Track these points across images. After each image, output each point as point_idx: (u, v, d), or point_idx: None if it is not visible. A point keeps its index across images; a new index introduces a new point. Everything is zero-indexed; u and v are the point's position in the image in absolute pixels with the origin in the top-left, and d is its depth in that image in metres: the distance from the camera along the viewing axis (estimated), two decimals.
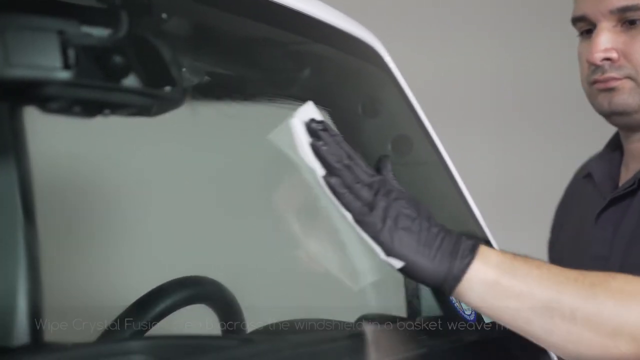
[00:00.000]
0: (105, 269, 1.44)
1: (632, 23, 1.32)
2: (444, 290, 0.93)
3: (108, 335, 1.06)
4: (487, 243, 1.03)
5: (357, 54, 1.29)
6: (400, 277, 1.22)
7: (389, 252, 0.91)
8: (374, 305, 1.23)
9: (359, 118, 1.29)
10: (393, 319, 1.20)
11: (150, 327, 1.07)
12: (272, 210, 1.10)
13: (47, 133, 1.22)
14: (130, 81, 0.81)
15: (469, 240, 0.93)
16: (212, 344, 0.95)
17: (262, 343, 0.96)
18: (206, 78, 1.03)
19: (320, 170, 0.91)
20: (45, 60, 0.74)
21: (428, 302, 1.20)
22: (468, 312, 1.15)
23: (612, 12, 1.32)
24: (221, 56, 1.10)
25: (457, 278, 0.91)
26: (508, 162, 2.84)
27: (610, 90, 1.33)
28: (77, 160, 1.39)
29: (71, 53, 0.75)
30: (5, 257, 1.27)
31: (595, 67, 1.34)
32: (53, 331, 1.31)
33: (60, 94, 0.76)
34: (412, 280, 0.99)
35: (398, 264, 0.92)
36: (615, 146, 1.47)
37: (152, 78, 0.82)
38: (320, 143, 0.91)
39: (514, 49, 2.83)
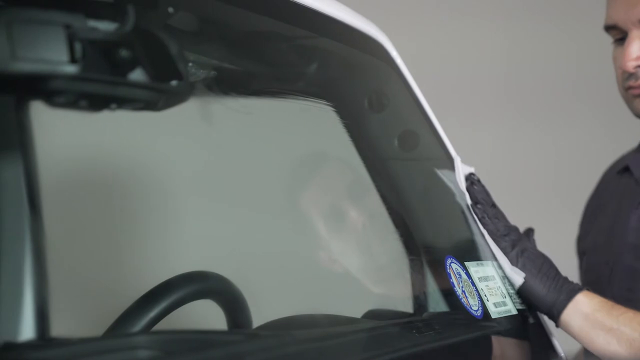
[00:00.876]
0: (112, 263, 1.44)
1: None
2: (551, 315, 1.18)
3: (114, 329, 1.06)
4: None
5: (364, 49, 1.28)
6: (406, 273, 1.22)
7: (514, 264, 1.18)
8: (381, 301, 1.23)
9: (366, 113, 1.29)
10: (399, 315, 1.19)
11: (157, 322, 1.07)
12: (279, 205, 1.09)
13: (53, 127, 1.21)
14: (137, 75, 0.80)
15: (579, 284, 1.18)
16: (218, 339, 0.95)
17: (268, 338, 0.96)
18: (212, 72, 1.03)
19: (469, 199, 1.21)
20: (52, 54, 0.73)
21: (434, 298, 1.19)
22: (475, 308, 1.14)
23: None
24: (227, 51, 1.10)
25: (563, 306, 1.15)
26: (512, 151, 2.83)
27: None
28: (83, 155, 1.39)
29: (77, 47, 0.74)
30: (10, 251, 1.26)
31: (629, 74, 1.38)
32: (59, 326, 1.30)
33: (67, 88, 0.76)
34: (527, 302, 1.21)
35: (519, 279, 1.17)
36: None
37: (159, 72, 0.82)
38: (475, 187, 1.21)
39: (517, 38, 2.83)
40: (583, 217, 1.65)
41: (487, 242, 1.20)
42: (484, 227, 1.19)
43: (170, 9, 0.86)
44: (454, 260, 1.15)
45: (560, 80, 2.76)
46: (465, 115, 2.75)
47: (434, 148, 1.31)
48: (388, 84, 1.33)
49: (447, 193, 1.32)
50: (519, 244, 1.19)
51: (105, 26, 0.77)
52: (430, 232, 1.26)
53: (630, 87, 1.40)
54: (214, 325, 1.21)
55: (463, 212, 1.28)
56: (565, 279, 1.19)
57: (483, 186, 1.23)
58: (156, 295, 1.08)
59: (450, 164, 1.30)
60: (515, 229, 1.22)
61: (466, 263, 1.18)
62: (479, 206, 1.20)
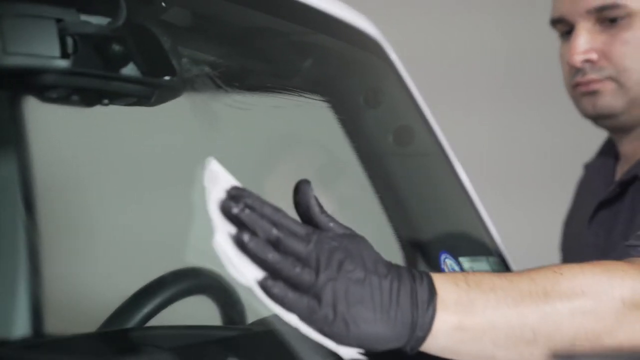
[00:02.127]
0: (105, 260, 1.44)
1: (612, 21, 1.28)
2: (406, 351, 0.79)
3: (109, 326, 1.06)
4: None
5: (359, 45, 1.28)
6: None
7: (343, 342, 0.75)
8: None
9: (361, 109, 1.29)
10: None
11: (152, 318, 1.07)
12: (273, 199, 1.09)
13: (47, 122, 1.21)
14: (130, 70, 0.80)
15: (423, 281, 0.79)
16: (212, 334, 0.95)
17: (262, 333, 0.96)
18: (206, 68, 1.03)
19: (252, 281, 0.72)
20: (44, 49, 0.73)
21: None
22: None
23: (589, 11, 1.28)
24: (221, 46, 1.09)
25: (422, 338, 0.78)
26: (504, 138, 2.83)
27: (593, 93, 1.30)
28: (77, 150, 1.39)
29: (69, 41, 0.74)
30: (5, 250, 1.26)
31: (576, 70, 1.31)
32: (53, 322, 1.30)
33: (59, 82, 0.76)
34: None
35: (352, 353, 0.75)
36: (611, 146, 1.44)
37: (152, 67, 0.82)
38: (246, 238, 0.72)
39: (511, 29, 2.82)
40: (569, 212, 1.56)
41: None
42: (293, 312, 0.74)
43: (163, 3, 0.86)
44: (448, 256, 1.15)
45: (555, 67, 2.76)
46: (459, 106, 2.75)
47: (429, 143, 1.31)
48: (383, 79, 1.33)
49: (441, 188, 1.32)
50: (338, 284, 0.74)
51: (98, 20, 0.77)
52: (425, 228, 1.26)
53: (577, 84, 1.31)
54: (208, 322, 1.21)
55: (458, 208, 1.28)
56: (400, 280, 0.77)
57: (247, 199, 0.75)
58: (150, 291, 1.08)
59: (444, 159, 1.30)
60: (312, 233, 0.76)
61: (460, 258, 1.18)
62: (274, 285, 0.73)
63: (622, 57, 1.28)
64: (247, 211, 0.72)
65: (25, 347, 1.05)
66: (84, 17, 0.76)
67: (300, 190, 0.79)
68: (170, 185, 1.36)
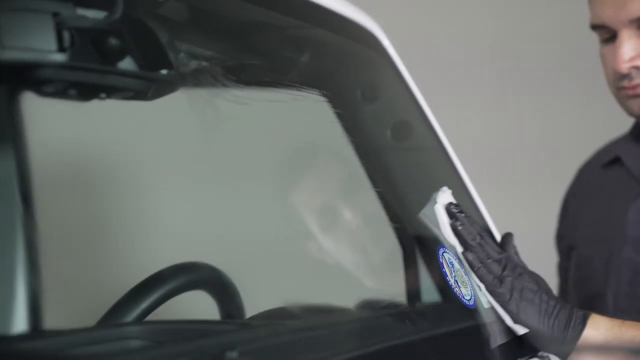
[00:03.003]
0: (104, 255, 1.44)
1: None
2: (561, 356, 1.10)
3: (107, 320, 1.06)
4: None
5: (356, 39, 1.28)
6: (399, 263, 1.22)
7: (515, 320, 1.09)
8: (373, 291, 1.23)
9: (358, 104, 1.28)
10: (393, 305, 1.19)
11: (150, 313, 1.07)
12: (270, 194, 1.09)
13: (44, 116, 1.21)
14: (127, 64, 0.80)
15: (580, 311, 1.09)
16: (211, 328, 0.95)
17: (260, 328, 0.96)
18: (203, 63, 1.02)
19: (459, 247, 1.11)
20: (40, 43, 0.73)
21: (427, 288, 1.19)
22: (467, 298, 1.14)
23: (631, 21, 1.33)
24: (217, 40, 1.09)
25: (571, 344, 1.08)
26: (501, 129, 2.83)
27: (639, 96, 1.36)
28: (75, 146, 1.39)
29: (66, 35, 0.74)
30: (3, 245, 1.26)
31: (621, 75, 1.35)
32: (52, 318, 1.30)
33: (56, 77, 0.76)
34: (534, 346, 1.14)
35: (523, 330, 1.09)
36: (634, 137, 1.49)
37: (149, 61, 0.82)
38: (458, 223, 1.10)
39: (507, 15, 2.82)
40: (562, 213, 1.61)
41: (482, 292, 1.12)
42: (481, 280, 1.10)
43: None
44: (446, 250, 1.15)
45: (550, 57, 2.75)
46: (453, 93, 2.74)
47: (427, 138, 1.31)
48: (381, 74, 1.33)
49: (440, 183, 1.32)
50: (516, 282, 1.10)
51: (94, 14, 0.77)
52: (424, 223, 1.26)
53: (623, 88, 1.37)
54: (207, 317, 1.21)
55: (457, 202, 1.28)
56: (564, 306, 1.10)
57: (465, 214, 1.12)
58: (149, 286, 1.08)
59: (442, 154, 1.30)
60: (506, 256, 1.13)
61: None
62: (470, 254, 1.10)
63: None
64: (463, 218, 1.11)
65: (24, 342, 1.05)
66: (80, 11, 0.76)
67: (505, 238, 1.18)
68: (169, 180, 1.36)
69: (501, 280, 1.08)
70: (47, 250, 1.34)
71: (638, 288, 1.40)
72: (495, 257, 1.10)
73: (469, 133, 2.63)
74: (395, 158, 1.30)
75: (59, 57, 0.73)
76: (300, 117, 1.25)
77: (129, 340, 0.93)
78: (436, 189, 1.33)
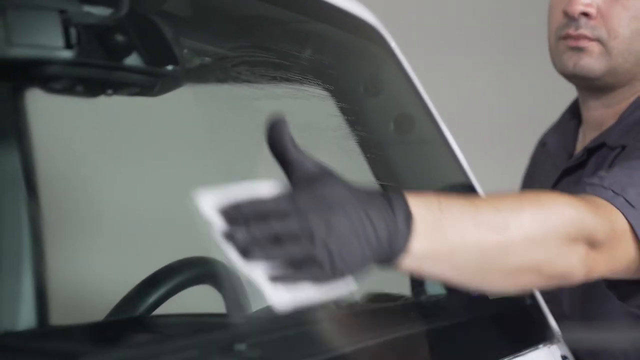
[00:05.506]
0: (110, 250, 1.44)
1: None
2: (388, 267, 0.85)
3: (116, 314, 1.06)
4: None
5: (359, 33, 1.29)
6: None
7: (343, 282, 0.81)
8: (378, 283, 1.23)
9: (361, 97, 1.29)
10: (397, 297, 1.20)
11: (158, 306, 1.07)
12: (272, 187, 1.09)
13: (51, 112, 1.22)
14: (133, 60, 0.81)
15: (400, 210, 0.83)
16: (218, 321, 0.96)
17: (267, 321, 0.96)
18: (206, 58, 1.03)
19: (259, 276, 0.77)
20: (47, 40, 0.73)
21: (432, 280, 1.20)
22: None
23: None
24: (221, 35, 1.10)
25: (395, 261, 0.83)
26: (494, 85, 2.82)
27: (579, 50, 1.29)
28: (80, 141, 1.39)
29: (73, 32, 0.75)
30: (10, 240, 1.27)
31: (569, 20, 1.29)
32: (59, 312, 1.31)
33: (63, 73, 0.76)
34: None
35: (352, 283, 0.82)
36: (572, 115, 1.44)
37: (155, 57, 0.82)
38: (254, 254, 0.77)
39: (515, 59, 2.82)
40: (520, 188, 1.56)
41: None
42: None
43: None
44: None
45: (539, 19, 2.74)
46: (444, 54, 2.73)
47: (429, 131, 1.32)
48: (383, 68, 1.33)
49: (443, 176, 1.32)
50: (321, 238, 0.78)
51: (100, 11, 0.77)
52: None
53: (567, 37, 1.29)
54: (212, 311, 1.21)
55: (459, 194, 1.28)
56: (378, 215, 0.81)
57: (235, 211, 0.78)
58: (157, 280, 1.09)
59: (445, 147, 1.30)
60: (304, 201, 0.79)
61: None
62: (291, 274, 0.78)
63: (618, 21, 1.28)
64: (244, 233, 0.76)
65: (31, 337, 1.06)
66: (86, 8, 0.77)
67: (274, 128, 0.81)
68: (174, 175, 1.36)
69: (319, 261, 0.77)
70: (54, 246, 1.35)
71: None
72: (295, 230, 0.77)
73: (459, 95, 2.62)
74: (398, 151, 1.30)
75: (66, 54, 0.74)
76: (301, 111, 1.25)
77: (137, 334, 0.93)
78: (439, 181, 1.33)
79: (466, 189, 1.31)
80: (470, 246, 0.88)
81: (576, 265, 0.96)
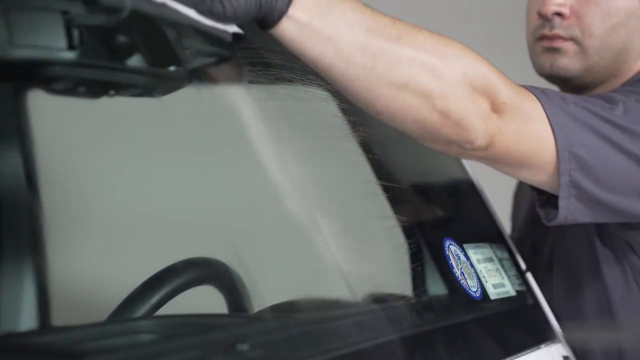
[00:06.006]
0: (111, 251, 1.44)
1: None
2: (262, 26, 0.88)
3: (118, 315, 1.07)
4: None
5: None
6: (405, 256, 1.22)
7: (224, 19, 0.84)
8: (380, 283, 1.23)
9: None
10: (398, 297, 1.20)
11: (160, 307, 1.08)
12: (276, 190, 1.10)
13: (52, 113, 1.22)
14: (135, 61, 0.81)
15: None
16: (220, 322, 0.96)
17: (267, 321, 0.96)
18: (207, 60, 1.03)
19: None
20: (50, 41, 0.73)
21: (434, 280, 1.20)
22: (474, 290, 1.15)
23: None
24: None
25: (276, 17, 0.86)
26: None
27: (554, 50, 1.29)
28: (82, 141, 1.39)
29: (76, 33, 0.75)
30: (11, 241, 1.27)
31: (543, 21, 1.29)
32: (61, 313, 1.31)
33: (65, 74, 0.76)
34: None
35: (234, 28, 0.86)
36: None
37: (157, 58, 0.82)
38: None
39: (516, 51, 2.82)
40: (514, 192, 1.57)
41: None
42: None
43: None
44: (452, 242, 1.16)
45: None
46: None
47: None
48: None
49: (445, 175, 1.32)
50: None
51: (103, 12, 0.77)
52: (429, 215, 1.27)
53: (542, 37, 1.30)
54: (214, 311, 1.21)
55: (461, 194, 1.29)
56: None
57: None
58: (159, 281, 1.09)
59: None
60: None
61: (464, 245, 1.19)
62: None
63: (591, 19, 1.28)
64: None
65: (33, 337, 1.06)
66: (89, 9, 0.77)
67: None
68: (177, 176, 1.36)
69: None
70: (56, 246, 1.35)
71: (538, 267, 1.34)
72: None
73: None
74: (400, 150, 1.30)
75: (69, 55, 0.74)
76: (303, 112, 1.25)
77: (140, 335, 0.93)
78: (441, 181, 1.34)
79: (468, 189, 1.31)
80: (356, 39, 0.87)
81: (474, 118, 0.94)
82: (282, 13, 0.85)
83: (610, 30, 1.28)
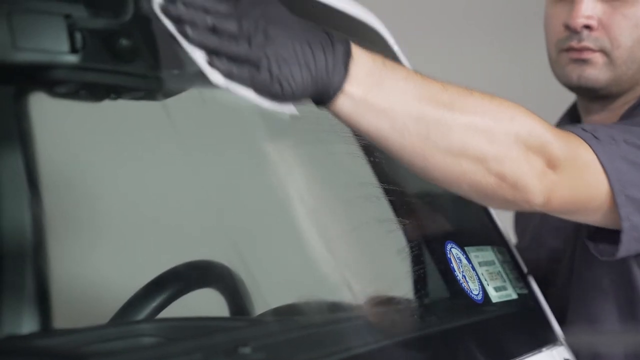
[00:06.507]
0: (113, 254, 1.44)
1: None
2: (317, 103, 0.87)
3: (120, 317, 1.07)
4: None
5: (361, 36, 1.29)
6: (406, 259, 1.22)
7: (282, 99, 0.83)
8: (381, 287, 1.23)
9: None
10: (400, 301, 1.20)
11: (162, 310, 1.08)
12: (278, 193, 1.10)
13: (54, 116, 1.22)
14: (137, 64, 0.81)
15: (342, 44, 0.85)
16: (223, 325, 0.96)
17: (269, 324, 0.96)
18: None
19: (199, 58, 0.79)
20: (53, 44, 0.74)
21: (435, 283, 1.20)
22: (475, 293, 1.15)
23: None
24: None
25: (333, 93, 0.85)
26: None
27: (583, 62, 1.29)
28: (84, 144, 1.40)
29: (78, 36, 0.75)
30: (13, 243, 1.27)
31: (571, 33, 1.29)
32: (63, 316, 1.31)
33: (68, 77, 0.77)
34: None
35: (292, 109, 0.85)
36: (571, 118, 1.43)
37: (159, 61, 0.82)
38: (189, 32, 0.78)
39: (517, 49, 2.82)
40: None
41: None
42: (239, 83, 0.81)
43: None
44: (454, 246, 1.16)
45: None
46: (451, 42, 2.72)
47: None
48: None
49: None
50: (258, 37, 0.80)
51: (106, 15, 0.78)
52: (431, 218, 1.27)
53: (569, 49, 1.29)
54: (215, 314, 1.21)
55: (463, 198, 1.28)
56: (319, 43, 0.83)
57: None
58: (161, 284, 1.09)
59: None
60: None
61: (466, 248, 1.19)
62: (217, 61, 0.79)
63: (620, 31, 1.28)
64: (182, 9, 0.78)
65: (35, 340, 1.06)
66: (91, 12, 0.77)
67: None
68: (179, 179, 1.36)
69: (255, 62, 0.80)
70: (58, 249, 1.35)
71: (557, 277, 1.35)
72: (233, 30, 0.79)
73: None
74: None
75: (72, 58, 0.74)
76: (303, 115, 1.25)
77: (142, 337, 0.93)
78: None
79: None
80: (410, 110, 0.87)
81: (531, 178, 0.94)
82: (337, 90, 0.85)
83: (637, 41, 1.29)
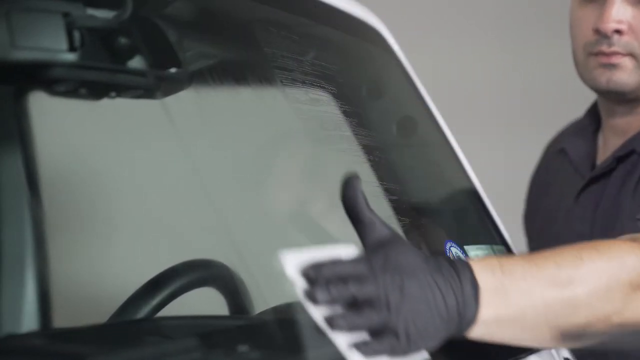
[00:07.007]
0: (112, 253, 1.45)
1: None
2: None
3: (119, 316, 1.07)
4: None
5: (361, 36, 1.29)
6: None
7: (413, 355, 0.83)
8: None
9: (364, 100, 1.29)
10: None
11: (161, 309, 1.08)
12: (277, 192, 1.10)
13: (53, 115, 1.22)
14: (136, 63, 0.81)
15: (466, 277, 0.84)
16: (221, 324, 0.96)
17: (268, 323, 0.96)
18: (209, 61, 1.03)
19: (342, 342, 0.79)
20: (51, 43, 0.74)
21: None
22: None
23: None
24: (224, 39, 1.10)
25: (465, 330, 0.86)
26: (514, 162, 2.82)
27: (612, 66, 1.30)
28: (83, 143, 1.40)
29: (77, 35, 0.75)
30: (13, 242, 1.27)
31: (600, 37, 1.29)
32: (62, 315, 1.31)
33: (67, 76, 0.77)
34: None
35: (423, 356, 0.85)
36: (591, 120, 1.43)
37: (158, 59, 0.82)
38: (339, 323, 0.78)
39: (517, 48, 2.82)
40: (529, 193, 1.56)
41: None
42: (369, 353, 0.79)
43: None
44: (453, 245, 1.16)
45: (561, 85, 2.75)
46: (464, 121, 2.73)
47: (432, 134, 1.32)
48: (386, 71, 1.33)
49: (446, 178, 1.32)
50: (394, 304, 0.80)
51: (104, 14, 0.78)
52: (430, 217, 1.27)
53: (599, 53, 1.29)
54: (214, 313, 1.21)
55: (462, 197, 1.29)
56: (447, 285, 0.82)
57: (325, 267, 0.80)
58: (160, 283, 1.09)
59: (448, 149, 1.31)
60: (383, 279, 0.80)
61: (466, 247, 1.19)
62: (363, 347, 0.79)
63: None
64: (325, 294, 0.78)
65: (34, 339, 1.06)
66: (90, 11, 0.77)
67: (349, 186, 0.85)
68: (178, 178, 1.36)
69: (394, 328, 0.79)
70: (57, 248, 1.35)
71: None
72: (372, 296, 0.78)
73: (461, 92, 2.62)
74: (401, 153, 1.31)
75: (70, 57, 0.75)
76: (303, 114, 1.26)
77: (141, 336, 0.93)
78: (441, 184, 1.34)
79: (468, 191, 1.31)
80: (537, 306, 0.88)
81: None
82: (470, 324, 0.85)
83: None
